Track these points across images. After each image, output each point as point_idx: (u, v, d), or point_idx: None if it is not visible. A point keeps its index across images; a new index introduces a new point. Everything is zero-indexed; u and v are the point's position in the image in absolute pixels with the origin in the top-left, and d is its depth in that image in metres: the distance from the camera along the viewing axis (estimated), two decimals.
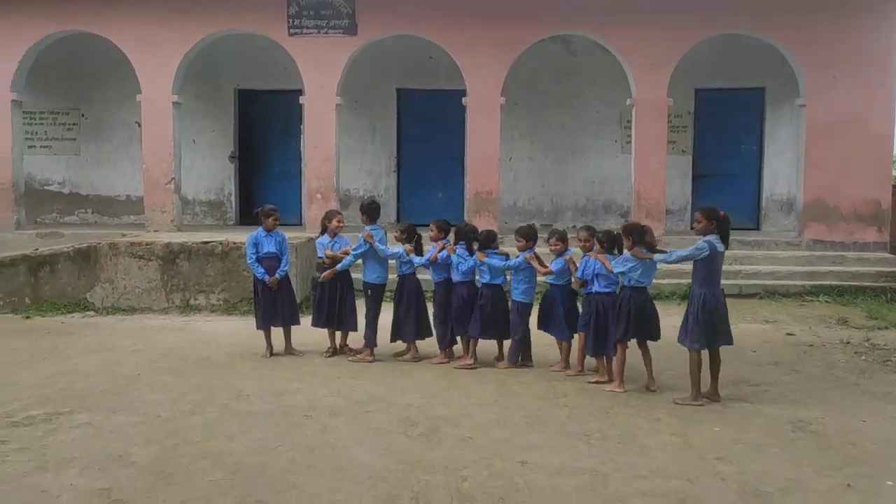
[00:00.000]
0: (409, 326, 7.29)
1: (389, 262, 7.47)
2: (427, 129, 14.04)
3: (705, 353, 5.91)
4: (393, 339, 7.39)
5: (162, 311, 9.78)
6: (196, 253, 9.87)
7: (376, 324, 7.31)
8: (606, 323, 6.35)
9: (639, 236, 6.16)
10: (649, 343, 6.30)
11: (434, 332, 7.31)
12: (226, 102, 14.05)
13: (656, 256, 6.07)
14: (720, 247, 5.85)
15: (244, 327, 8.63)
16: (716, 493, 4.13)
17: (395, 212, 14.11)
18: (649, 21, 11.68)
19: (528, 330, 7.02)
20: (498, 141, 11.98)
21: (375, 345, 7.28)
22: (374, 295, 7.35)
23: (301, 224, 12.68)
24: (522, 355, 7.03)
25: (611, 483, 4.26)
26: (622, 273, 6.24)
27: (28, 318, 9.59)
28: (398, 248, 7.33)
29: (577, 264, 6.68)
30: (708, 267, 5.83)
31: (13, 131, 11.96)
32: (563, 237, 6.91)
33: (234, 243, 9.83)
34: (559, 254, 6.86)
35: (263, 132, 14.34)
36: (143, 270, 9.87)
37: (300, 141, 13.06)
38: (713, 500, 4.05)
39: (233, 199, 14.23)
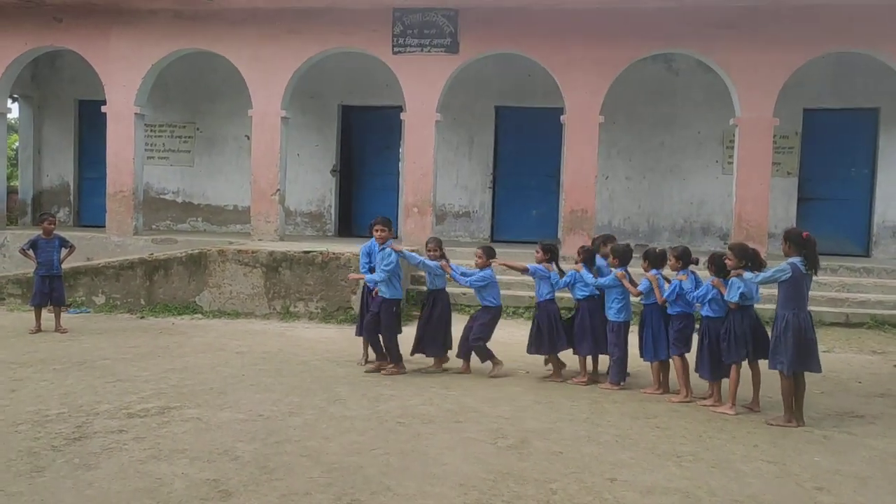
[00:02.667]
0: (438, 341, 7.41)
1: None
2: (524, 146, 14.15)
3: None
4: (414, 353, 7.46)
5: (263, 316, 10.23)
6: (297, 262, 10.29)
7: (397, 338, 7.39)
8: (718, 347, 6.27)
9: (751, 259, 6.11)
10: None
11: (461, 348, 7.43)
12: (329, 117, 14.59)
13: (746, 276, 6.01)
14: (804, 269, 5.78)
15: (340, 335, 8.93)
16: None
17: (489, 227, 14.25)
18: (756, 38, 11.41)
19: (626, 350, 7.00)
20: (595, 159, 11.94)
21: (401, 357, 7.36)
22: (397, 310, 7.44)
23: (398, 237, 12.98)
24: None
25: None
26: (739, 296, 6.13)
27: (142, 317, 10.22)
28: (431, 262, 7.44)
29: (660, 284, 6.67)
30: (792, 289, 5.79)
31: (136, 143, 12.78)
32: (654, 257, 6.88)
33: (334, 254, 10.19)
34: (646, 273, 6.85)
35: (364, 147, 14.81)
36: (247, 277, 10.36)
37: (399, 156, 13.40)
38: None
39: (332, 211, 14.73)
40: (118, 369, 7.18)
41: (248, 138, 13.18)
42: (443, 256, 7.50)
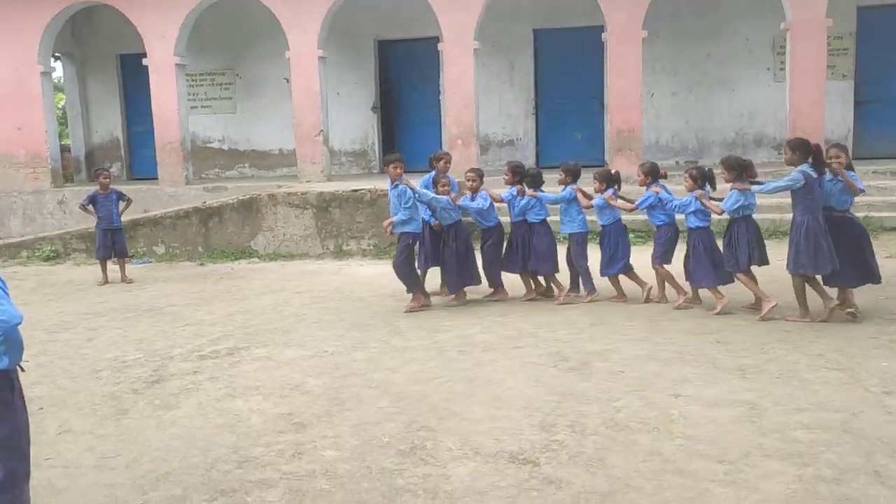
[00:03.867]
0: (452, 275, 7.42)
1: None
2: (565, 69, 13.84)
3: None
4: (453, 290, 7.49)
5: (317, 256, 10.41)
6: (346, 201, 10.39)
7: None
8: (712, 254, 6.63)
9: (742, 170, 6.41)
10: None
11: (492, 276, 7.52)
12: (366, 54, 14.45)
13: (754, 188, 6.33)
14: (814, 174, 5.99)
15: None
16: (882, 426, 4.02)
17: (533, 155, 14.10)
18: None
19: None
20: (639, 76, 11.63)
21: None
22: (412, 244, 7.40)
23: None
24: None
25: (769, 415, 4.23)
26: (736, 208, 6.40)
27: (202, 264, 10.50)
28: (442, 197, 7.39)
29: (618, 201, 7.11)
30: (808, 196, 6.01)
31: (178, 93, 12.88)
32: (607, 177, 7.21)
33: (381, 191, 10.24)
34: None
35: (403, 81, 14.67)
36: (299, 219, 10.52)
37: (439, 88, 13.26)
38: (879, 432, 3.94)
39: (376, 148, 14.74)
40: (186, 314, 7.45)
41: (288, 81, 13.16)
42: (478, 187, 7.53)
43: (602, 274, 7.24)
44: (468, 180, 7.55)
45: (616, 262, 7.15)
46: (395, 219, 7.27)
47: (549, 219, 7.44)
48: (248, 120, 15.03)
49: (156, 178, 13.15)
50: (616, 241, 7.14)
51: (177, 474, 3.83)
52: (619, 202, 7.11)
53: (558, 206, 7.42)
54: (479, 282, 7.52)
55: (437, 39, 12.30)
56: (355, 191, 10.46)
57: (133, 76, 14.74)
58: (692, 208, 6.68)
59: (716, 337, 5.83)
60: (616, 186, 7.22)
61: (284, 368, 5.52)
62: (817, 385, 4.68)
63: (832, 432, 3.97)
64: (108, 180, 9.60)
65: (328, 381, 5.19)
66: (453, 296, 7.49)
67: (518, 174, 7.49)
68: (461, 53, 12.01)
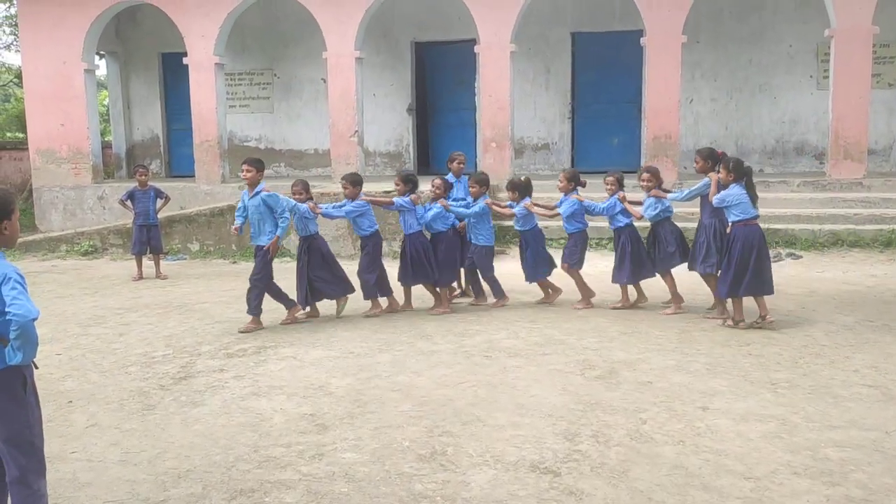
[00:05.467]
0: (303, 290, 7.14)
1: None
2: (602, 73, 13.72)
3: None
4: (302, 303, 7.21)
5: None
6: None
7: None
8: (639, 253, 7.08)
9: (659, 178, 7.06)
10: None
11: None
12: (403, 55, 14.48)
13: (669, 196, 6.94)
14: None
15: None
16: None
17: (569, 159, 13.99)
18: None
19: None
20: (678, 81, 11.48)
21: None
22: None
23: (477, 172, 12.91)
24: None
25: (800, 431, 4.12)
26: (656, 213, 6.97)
27: (235, 262, 10.60)
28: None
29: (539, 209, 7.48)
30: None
31: (217, 92, 13.03)
32: (521, 186, 7.44)
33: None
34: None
35: (439, 83, 14.67)
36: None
37: (475, 90, 13.22)
38: None
39: (411, 149, 14.75)
40: (215, 312, 7.52)
41: (325, 81, 13.24)
42: (310, 199, 7.24)
43: (529, 280, 7.46)
44: (342, 188, 7.28)
45: (541, 267, 7.37)
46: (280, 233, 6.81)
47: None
48: (285, 120, 15.16)
49: (193, 176, 13.32)
50: (538, 247, 7.37)
51: (198, 472, 3.85)
52: (538, 209, 7.44)
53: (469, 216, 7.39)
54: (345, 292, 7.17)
55: (473, 42, 12.27)
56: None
57: (174, 75, 14.95)
58: (618, 209, 7.10)
59: (748, 350, 5.71)
60: (529, 195, 7.45)
61: (309, 368, 5.53)
62: (850, 402, 4.55)
63: (864, 451, 3.85)
64: (145, 177, 9.75)
65: (352, 382, 5.19)
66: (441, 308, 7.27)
67: (410, 183, 7.34)
68: (498, 56, 11.96)
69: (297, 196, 7.14)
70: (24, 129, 17.02)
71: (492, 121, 12.12)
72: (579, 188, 7.38)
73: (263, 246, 6.79)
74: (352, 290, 7.20)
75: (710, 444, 4.00)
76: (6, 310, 2.75)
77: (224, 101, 13.55)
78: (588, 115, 13.94)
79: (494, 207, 7.46)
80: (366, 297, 7.22)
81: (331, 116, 12.76)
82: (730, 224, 6.33)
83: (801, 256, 9.46)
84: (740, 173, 6.31)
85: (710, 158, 6.71)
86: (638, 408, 4.56)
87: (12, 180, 18.00)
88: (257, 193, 6.76)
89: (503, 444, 4.08)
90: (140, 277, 9.51)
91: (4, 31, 19.23)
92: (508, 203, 7.53)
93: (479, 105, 12.47)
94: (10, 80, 22.84)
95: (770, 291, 6.31)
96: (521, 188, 7.46)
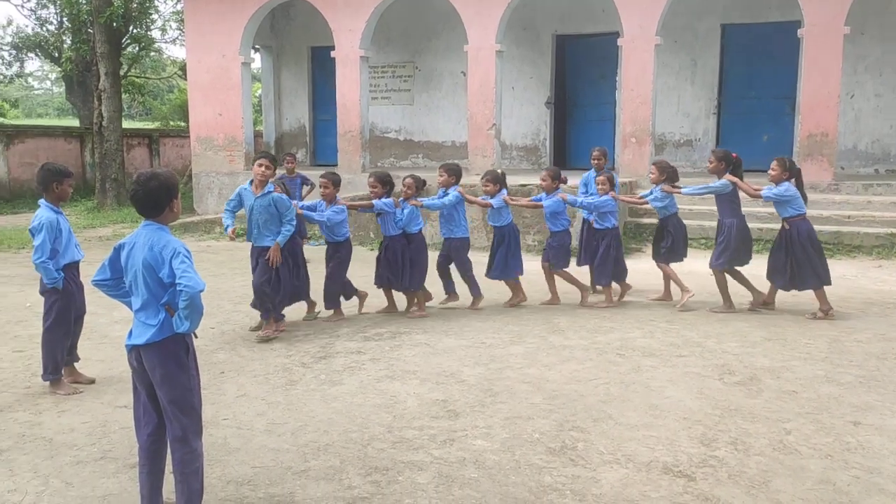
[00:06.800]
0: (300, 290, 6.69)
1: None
2: (753, 67, 13.07)
3: None
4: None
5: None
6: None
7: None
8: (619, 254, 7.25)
9: (672, 173, 7.15)
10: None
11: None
12: (544, 48, 14.39)
13: (684, 190, 7.06)
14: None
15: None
16: None
17: None
18: None
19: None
20: (839, 76, 10.74)
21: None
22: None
23: (614, 168, 12.66)
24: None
25: None
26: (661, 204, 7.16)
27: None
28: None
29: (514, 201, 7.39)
30: (733, 201, 6.88)
31: (361, 85, 13.46)
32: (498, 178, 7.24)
33: None
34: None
35: (579, 77, 14.47)
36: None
37: (615, 84, 12.96)
38: None
39: (547, 144, 14.65)
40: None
41: (464, 74, 13.38)
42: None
43: (495, 277, 7.24)
44: (321, 186, 6.75)
45: (513, 267, 7.17)
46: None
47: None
48: (425, 111, 15.46)
49: (336, 165, 13.84)
50: (513, 245, 7.18)
51: (336, 447, 4.03)
52: (519, 201, 7.48)
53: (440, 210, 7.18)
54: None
55: (616, 35, 12.01)
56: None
57: (322, 68, 15.61)
58: (609, 208, 7.10)
59: None
60: (505, 188, 7.29)
61: (442, 356, 5.64)
62: None
63: None
64: (293, 164, 10.23)
65: (483, 371, 5.25)
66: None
67: (388, 185, 7.06)
68: (642, 49, 11.65)
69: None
70: (185, 118, 18.32)
71: (632, 116, 11.84)
72: (562, 186, 7.32)
73: (267, 248, 6.24)
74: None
75: (861, 461, 3.76)
76: (177, 281, 2.99)
77: (367, 93, 13.97)
78: (736, 110, 13.32)
79: (469, 198, 7.26)
80: (328, 307, 6.76)
81: (469, 109, 12.88)
82: (783, 220, 6.65)
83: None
84: (794, 171, 6.64)
85: (725, 160, 6.86)
86: (781, 417, 4.34)
87: (174, 166, 19.45)
88: (267, 193, 6.20)
89: (635, 443, 4.01)
90: None
91: (171, 27, 20.72)
92: (482, 196, 7.39)
93: (620, 99, 12.20)
94: (175, 73, 24.61)
95: (829, 282, 6.60)
96: (500, 180, 7.27)
